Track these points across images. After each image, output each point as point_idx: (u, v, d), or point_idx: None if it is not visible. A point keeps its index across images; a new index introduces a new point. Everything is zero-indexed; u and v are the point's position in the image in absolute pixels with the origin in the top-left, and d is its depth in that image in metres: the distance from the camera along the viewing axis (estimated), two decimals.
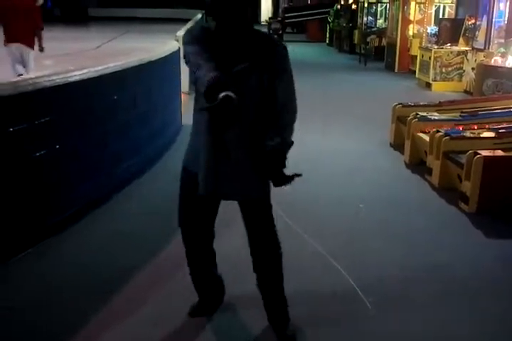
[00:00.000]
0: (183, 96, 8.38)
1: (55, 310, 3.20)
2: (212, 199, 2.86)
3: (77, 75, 4.32)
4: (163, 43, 7.81)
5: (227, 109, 2.25)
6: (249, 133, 2.67)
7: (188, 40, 2.65)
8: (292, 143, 2.71)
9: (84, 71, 4.43)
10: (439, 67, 11.63)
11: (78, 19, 35.85)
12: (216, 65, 2.42)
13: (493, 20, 10.44)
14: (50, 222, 4.13)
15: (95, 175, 4.74)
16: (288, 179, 2.66)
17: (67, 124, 4.28)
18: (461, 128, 5.64)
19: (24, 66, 8.30)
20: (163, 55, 6.48)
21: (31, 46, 8.30)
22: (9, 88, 3.71)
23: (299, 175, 2.66)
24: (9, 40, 8.13)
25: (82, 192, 4.52)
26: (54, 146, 4.12)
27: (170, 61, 6.97)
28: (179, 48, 8.04)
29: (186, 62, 2.60)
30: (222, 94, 2.25)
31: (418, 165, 5.97)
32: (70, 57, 14.34)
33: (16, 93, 3.72)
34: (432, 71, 11.68)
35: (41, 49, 8.49)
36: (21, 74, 7.82)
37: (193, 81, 2.52)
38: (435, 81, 11.69)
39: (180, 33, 10.98)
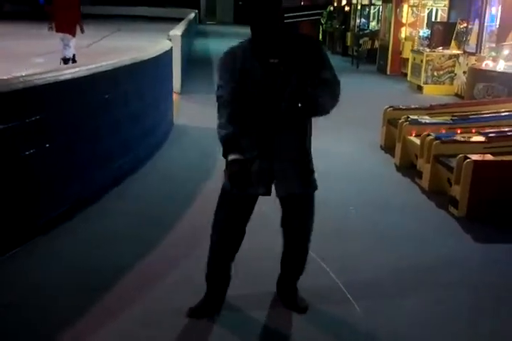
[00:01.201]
0: (174, 96, 8.37)
1: (47, 308, 3.19)
2: (253, 199, 3.02)
3: (68, 73, 4.29)
4: (156, 42, 7.79)
5: (236, 171, 2.69)
6: (295, 134, 2.90)
7: (221, 72, 2.87)
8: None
9: (76, 69, 4.41)
10: (431, 70, 11.69)
11: None
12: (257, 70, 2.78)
13: (485, 24, 10.50)
14: (40, 221, 4.11)
15: (86, 174, 4.71)
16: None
17: (58, 123, 4.25)
18: (452, 132, 5.65)
19: (64, 50, 10.89)
20: (155, 55, 6.46)
21: (72, 34, 10.83)
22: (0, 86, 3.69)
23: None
24: (57, 30, 10.82)
25: (73, 190, 4.50)
26: (44, 145, 4.10)
27: (162, 60, 6.95)
28: (171, 48, 8.04)
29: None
30: (230, 157, 2.69)
31: (408, 168, 5.98)
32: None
33: (6, 91, 3.69)
34: (423, 74, 11.73)
35: (82, 31, 11.16)
36: (66, 58, 10.86)
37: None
38: (426, 84, 11.75)
39: (173, 32, 10.99)
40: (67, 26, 10.66)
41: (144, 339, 2.96)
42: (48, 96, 4.11)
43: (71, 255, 3.86)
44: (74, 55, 11.01)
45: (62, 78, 4.19)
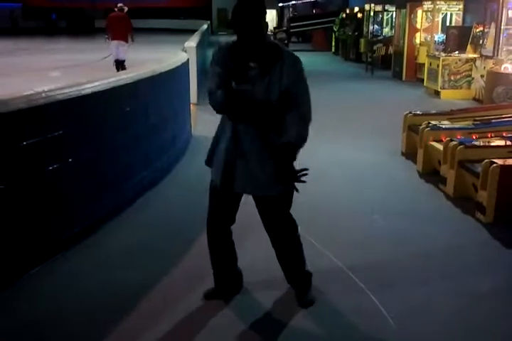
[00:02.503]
0: (192, 107, 8.36)
1: (69, 327, 3.14)
2: (232, 194, 3.13)
3: (89, 88, 4.29)
4: (173, 54, 7.80)
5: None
6: (262, 131, 2.95)
7: (212, 60, 3.04)
8: (305, 139, 2.92)
9: (97, 83, 4.40)
10: (448, 74, 11.60)
11: (84, 31, 36.09)
12: (233, 70, 2.92)
13: (502, 27, 10.41)
14: (63, 236, 4.09)
15: (108, 188, 4.70)
16: (295, 176, 2.85)
17: (80, 137, 4.25)
18: (474, 137, 5.58)
19: (119, 53, 13.40)
20: (173, 66, 6.46)
21: (125, 41, 13.48)
22: (22, 102, 3.68)
23: (305, 171, 2.85)
24: (112, 38, 13.46)
25: (95, 205, 4.49)
26: (67, 160, 4.10)
27: (180, 72, 6.95)
28: (188, 59, 8.05)
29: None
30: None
31: (431, 175, 5.90)
32: (78, 68, 14.39)
33: (28, 106, 3.69)
34: (440, 79, 11.65)
35: (132, 40, 13.71)
36: (119, 61, 13.33)
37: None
38: (444, 89, 11.66)
39: (188, 43, 11.03)
40: (120, 35, 13.47)
41: None
42: (70, 110, 4.11)
43: (94, 271, 3.81)
44: (124, 61, 13.52)
45: (83, 92, 4.19)
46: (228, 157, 3.02)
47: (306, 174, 2.85)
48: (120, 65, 13.38)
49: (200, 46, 13.82)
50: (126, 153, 5.01)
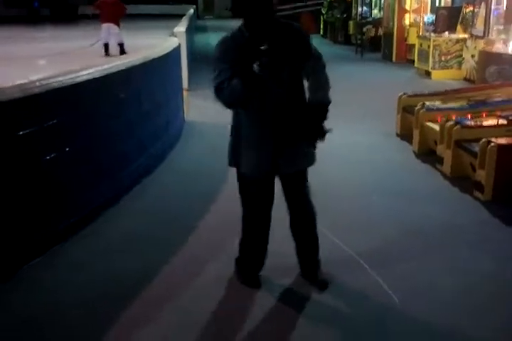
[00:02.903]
0: (184, 93, 8.31)
1: (69, 321, 3.10)
2: (269, 179, 3.16)
3: (83, 75, 4.23)
4: (165, 40, 7.72)
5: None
6: (291, 113, 2.99)
7: (217, 54, 2.95)
8: (330, 102, 3.07)
9: (91, 71, 4.34)
10: (438, 55, 11.59)
11: (68, 18, 35.58)
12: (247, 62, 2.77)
13: (492, 7, 10.37)
14: (61, 226, 4.05)
15: (104, 176, 4.66)
16: (325, 133, 3.00)
17: (76, 126, 4.20)
18: (470, 117, 5.57)
19: (116, 37, 14.06)
20: (165, 52, 6.39)
21: (117, 24, 14.08)
22: (16, 91, 3.62)
23: (329, 131, 3.02)
24: (103, 21, 14.04)
25: (92, 194, 4.45)
26: (64, 149, 4.05)
27: (172, 57, 6.89)
28: (179, 44, 7.98)
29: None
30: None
31: (427, 155, 5.91)
32: (67, 56, 14.21)
33: (23, 96, 3.63)
34: (431, 59, 11.64)
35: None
36: (107, 43, 14.11)
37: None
38: (434, 69, 11.66)
39: (178, 28, 10.93)
40: (111, 19, 13.90)
41: None
42: (65, 99, 4.05)
43: (93, 261, 3.77)
44: (123, 44, 13.96)
45: (78, 80, 4.14)
46: (273, 157, 3.04)
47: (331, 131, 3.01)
48: (122, 47, 13.89)
49: (188, 31, 13.70)
50: (121, 141, 4.96)
